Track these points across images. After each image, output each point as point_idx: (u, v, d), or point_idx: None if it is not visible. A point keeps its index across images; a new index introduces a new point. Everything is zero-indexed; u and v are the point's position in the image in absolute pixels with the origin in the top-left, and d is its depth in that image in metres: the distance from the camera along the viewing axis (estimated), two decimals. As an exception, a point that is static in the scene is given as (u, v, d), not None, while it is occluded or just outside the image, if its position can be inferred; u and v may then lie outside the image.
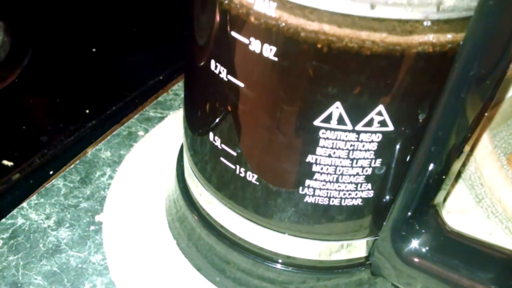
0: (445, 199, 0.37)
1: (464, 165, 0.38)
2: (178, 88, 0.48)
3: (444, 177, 0.25)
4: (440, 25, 0.19)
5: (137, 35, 0.56)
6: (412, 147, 0.23)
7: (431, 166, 0.23)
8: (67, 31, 0.55)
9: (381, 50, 0.19)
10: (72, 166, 0.38)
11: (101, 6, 0.60)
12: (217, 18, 0.21)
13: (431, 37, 0.19)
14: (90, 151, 0.40)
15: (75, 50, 0.52)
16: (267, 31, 0.20)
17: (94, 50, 0.52)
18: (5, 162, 0.39)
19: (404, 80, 0.20)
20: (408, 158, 0.23)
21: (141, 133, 0.42)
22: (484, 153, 0.36)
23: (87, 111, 0.44)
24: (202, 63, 0.24)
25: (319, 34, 0.19)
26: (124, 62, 0.52)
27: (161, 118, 0.44)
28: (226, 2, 0.21)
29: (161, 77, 0.49)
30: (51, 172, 0.38)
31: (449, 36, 0.19)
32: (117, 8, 0.60)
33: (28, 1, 0.59)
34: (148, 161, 0.39)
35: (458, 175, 0.39)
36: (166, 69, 0.50)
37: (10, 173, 0.38)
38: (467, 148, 0.24)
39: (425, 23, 0.19)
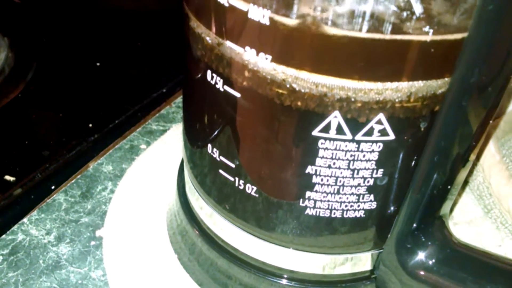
0: (452, 210, 0.36)
1: (471, 175, 0.38)
2: (180, 101, 0.48)
3: (449, 187, 0.24)
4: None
5: (140, 49, 0.57)
6: (415, 157, 0.22)
7: (435, 176, 0.23)
8: (70, 46, 0.56)
9: (379, 55, 0.19)
10: (73, 181, 0.38)
11: (105, 21, 0.60)
12: (212, 27, 0.21)
13: (431, 43, 0.19)
14: (92, 165, 0.39)
15: (78, 65, 0.52)
16: (263, 39, 0.19)
17: (98, 64, 0.52)
18: (7, 177, 0.38)
19: (402, 87, 0.20)
20: (411, 168, 0.23)
21: (143, 146, 0.42)
22: (492, 162, 0.36)
23: (90, 125, 0.44)
24: (198, 74, 0.23)
25: (316, 38, 0.18)
26: (127, 75, 0.52)
27: (164, 131, 0.43)
28: (221, 10, 0.20)
29: (164, 90, 0.49)
30: (52, 187, 0.38)
31: (450, 39, 0.19)
32: (120, 23, 0.60)
33: (32, 17, 0.59)
34: (149, 175, 0.39)
35: (465, 185, 0.38)
36: (169, 82, 0.50)
37: (12, 188, 0.38)
38: (472, 157, 0.24)
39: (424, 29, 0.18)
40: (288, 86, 0.20)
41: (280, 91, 0.20)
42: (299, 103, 0.20)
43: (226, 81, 0.22)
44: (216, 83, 0.22)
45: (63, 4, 0.62)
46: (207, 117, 0.25)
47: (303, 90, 0.20)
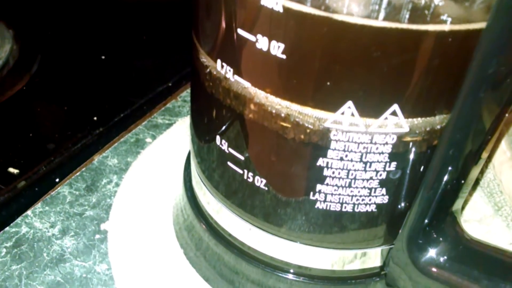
0: (462, 208, 0.36)
1: (482, 172, 0.37)
2: (186, 94, 0.47)
3: (462, 182, 0.23)
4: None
5: (146, 42, 0.56)
6: (429, 150, 0.22)
7: (448, 172, 0.22)
8: (75, 38, 0.55)
9: (395, 43, 0.18)
10: (78, 174, 0.38)
11: (110, 13, 0.60)
12: (223, 14, 0.21)
13: (448, 31, 0.18)
14: (96, 158, 0.39)
15: (83, 57, 0.52)
16: (275, 27, 0.19)
17: (103, 57, 0.52)
18: (11, 169, 0.38)
19: (420, 78, 0.19)
20: (424, 161, 0.22)
21: (148, 140, 0.41)
22: (503, 159, 0.35)
23: (95, 118, 0.44)
24: (208, 64, 0.23)
25: (330, 25, 0.18)
26: (132, 69, 0.52)
27: (169, 125, 0.43)
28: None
29: (169, 84, 0.49)
30: (57, 180, 0.37)
31: (469, 29, 0.18)
32: (126, 15, 0.60)
33: (37, 9, 0.59)
34: (155, 169, 0.38)
35: (476, 182, 0.38)
36: (175, 75, 0.49)
37: (16, 180, 0.37)
38: (485, 154, 0.23)
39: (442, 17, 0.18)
40: (292, 120, 0.21)
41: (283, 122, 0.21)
42: (302, 136, 0.21)
43: (236, 71, 0.21)
44: (226, 72, 0.22)
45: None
46: (216, 110, 0.24)
47: (303, 131, 0.21)
